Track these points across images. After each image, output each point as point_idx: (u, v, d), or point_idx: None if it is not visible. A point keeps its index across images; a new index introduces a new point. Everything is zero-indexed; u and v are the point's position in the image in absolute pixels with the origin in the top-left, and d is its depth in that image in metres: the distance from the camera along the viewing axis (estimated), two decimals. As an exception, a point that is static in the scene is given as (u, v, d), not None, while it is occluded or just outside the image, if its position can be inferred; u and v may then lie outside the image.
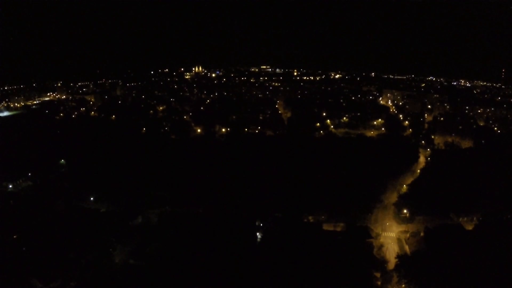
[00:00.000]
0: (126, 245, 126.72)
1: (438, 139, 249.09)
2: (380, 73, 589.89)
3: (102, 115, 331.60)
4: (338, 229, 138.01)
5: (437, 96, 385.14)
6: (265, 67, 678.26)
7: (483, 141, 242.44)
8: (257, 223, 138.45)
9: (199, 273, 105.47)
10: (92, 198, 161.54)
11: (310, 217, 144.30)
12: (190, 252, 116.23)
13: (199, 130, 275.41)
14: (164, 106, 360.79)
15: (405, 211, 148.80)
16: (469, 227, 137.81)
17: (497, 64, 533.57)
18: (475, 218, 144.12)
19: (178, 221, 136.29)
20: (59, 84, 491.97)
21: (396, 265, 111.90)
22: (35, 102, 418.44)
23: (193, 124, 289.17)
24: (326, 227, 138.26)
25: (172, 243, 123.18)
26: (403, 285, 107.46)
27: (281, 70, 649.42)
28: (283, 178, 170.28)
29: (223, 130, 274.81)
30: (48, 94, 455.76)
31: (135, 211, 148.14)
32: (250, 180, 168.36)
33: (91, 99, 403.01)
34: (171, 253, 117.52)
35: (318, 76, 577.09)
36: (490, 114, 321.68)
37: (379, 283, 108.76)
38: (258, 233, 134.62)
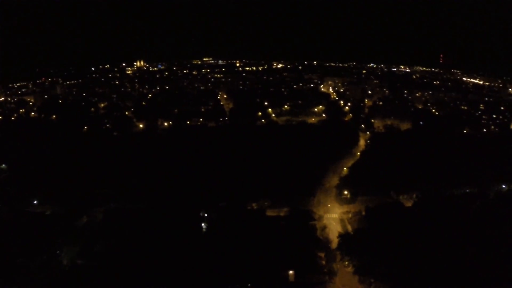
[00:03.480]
0: (73, 245, 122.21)
1: (378, 123, 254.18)
2: (322, 61, 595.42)
3: (43, 115, 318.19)
4: (282, 214, 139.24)
5: (377, 82, 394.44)
6: (207, 59, 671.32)
7: (421, 123, 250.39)
8: (201, 214, 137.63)
9: (146, 268, 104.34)
10: (35, 202, 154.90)
11: (254, 204, 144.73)
12: (137, 248, 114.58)
13: (141, 125, 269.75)
14: (106, 103, 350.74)
15: (346, 192, 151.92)
16: (408, 204, 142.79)
17: (436, 50, 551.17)
18: (414, 196, 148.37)
19: (123, 217, 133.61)
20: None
21: (339, 244, 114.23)
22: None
23: (135, 120, 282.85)
24: (270, 213, 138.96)
25: (118, 240, 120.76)
26: (346, 262, 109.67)
27: (223, 62, 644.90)
28: (226, 168, 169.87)
29: (166, 124, 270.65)
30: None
31: (80, 211, 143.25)
32: (193, 172, 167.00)
33: (31, 100, 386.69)
34: (118, 250, 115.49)
35: (260, 67, 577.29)
36: (428, 97, 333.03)
37: (323, 262, 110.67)
38: (203, 224, 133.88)
